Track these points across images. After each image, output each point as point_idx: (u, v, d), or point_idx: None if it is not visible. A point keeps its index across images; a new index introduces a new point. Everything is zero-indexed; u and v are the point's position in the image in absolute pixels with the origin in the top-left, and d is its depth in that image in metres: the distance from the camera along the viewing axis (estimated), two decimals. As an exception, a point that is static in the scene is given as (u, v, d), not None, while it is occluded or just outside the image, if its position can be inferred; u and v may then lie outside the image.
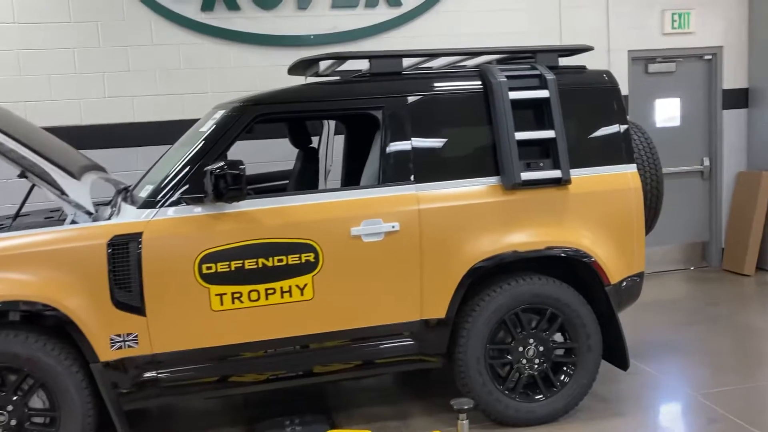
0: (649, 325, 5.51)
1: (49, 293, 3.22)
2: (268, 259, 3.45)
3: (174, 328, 3.39)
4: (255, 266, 3.44)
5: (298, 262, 3.48)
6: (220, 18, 6.00)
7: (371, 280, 3.57)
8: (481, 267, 3.66)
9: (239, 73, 6.02)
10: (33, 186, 3.81)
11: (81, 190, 3.52)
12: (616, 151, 3.96)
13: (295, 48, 6.08)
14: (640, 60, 6.94)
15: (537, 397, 3.81)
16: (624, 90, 6.81)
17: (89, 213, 3.47)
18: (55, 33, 5.72)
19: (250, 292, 3.44)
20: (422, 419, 3.98)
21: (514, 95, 3.77)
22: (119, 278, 3.32)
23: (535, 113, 3.84)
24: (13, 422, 3.28)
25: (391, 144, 3.68)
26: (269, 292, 3.46)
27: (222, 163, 3.30)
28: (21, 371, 3.25)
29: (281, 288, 3.47)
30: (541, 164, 3.78)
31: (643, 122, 6.99)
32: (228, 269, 3.41)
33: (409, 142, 3.69)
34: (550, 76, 3.83)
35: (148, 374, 3.40)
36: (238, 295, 3.43)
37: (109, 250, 3.31)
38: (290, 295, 3.49)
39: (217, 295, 3.41)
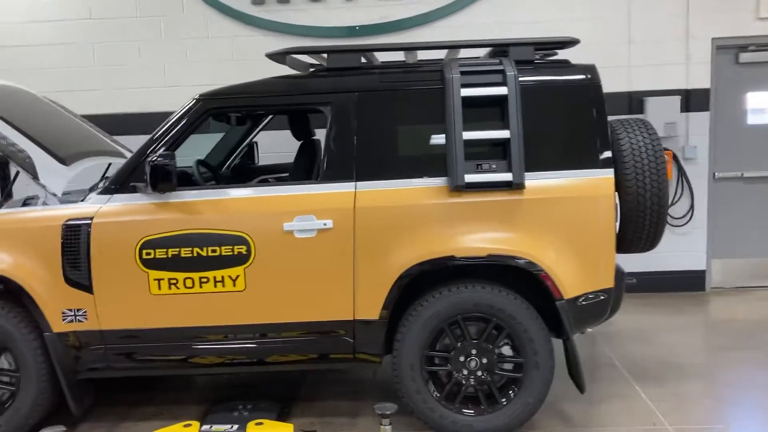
0: (687, 346, 4.97)
1: (3, 266, 3.59)
2: (202, 249, 3.59)
3: (118, 307, 3.65)
4: (190, 255, 3.59)
5: (231, 253, 3.59)
6: (270, 11, 6.22)
7: (303, 276, 3.59)
8: (415, 271, 3.53)
9: (287, 65, 6.21)
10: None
11: (58, 175, 3.85)
12: (587, 155, 3.63)
13: (342, 39, 6.14)
14: (729, 49, 6.18)
15: (477, 411, 3.63)
16: (705, 83, 6.13)
17: (59, 196, 3.81)
18: (124, 27, 6.26)
19: (185, 279, 3.61)
20: (372, 419, 3.93)
21: (467, 92, 3.58)
22: (70, 258, 3.62)
23: (493, 111, 3.61)
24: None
25: (334, 140, 3.65)
26: (203, 280, 3.60)
27: (156, 156, 3.48)
28: (-12, 335, 3.68)
29: (214, 277, 3.60)
30: (494, 166, 3.56)
31: (732, 119, 6.25)
32: (165, 256, 3.60)
33: (353, 139, 3.64)
34: (510, 72, 3.58)
35: (95, 348, 3.69)
36: (174, 281, 3.61)
37: (63, 232, 3.62)
38: (223, 285, 3.60)
39: (155, 279, 3.61)
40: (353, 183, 3.62)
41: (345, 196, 3.59)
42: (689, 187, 6.26)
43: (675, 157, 6.21)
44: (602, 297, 3.61)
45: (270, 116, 5.19)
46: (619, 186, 3.98)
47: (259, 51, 6.22)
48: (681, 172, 6.25)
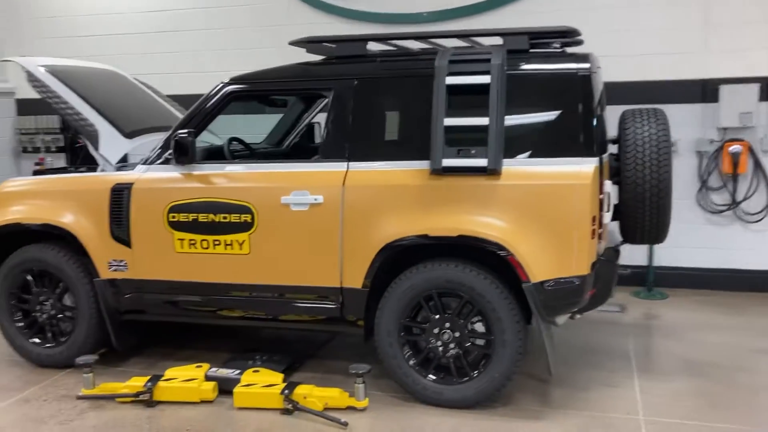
0: (721, 346, 4.78)
1: (63, 219, 4.34)
2: (216, 215, 4.11)
3: (150, 261, 4.28)
4: (206, 220, 4.12)
5: (238, 220, 4.07)
6: (351, 1, 6.60)
7: (297, 244, 4.00)
8: (395, 245, 3.81)
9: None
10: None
11: (116, 147, 4.55)
12: (569, 143, 3.69)
13: (411, 25, 6.42)
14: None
15: (449, 381, 3.86)
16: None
17: (115, 165, 4.51)
18: (221, 15, 6.95)
19: (202, 240, 4.15)
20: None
21: (452, 80, 3.77)
22: (115, 217, 4.30)
23: (477, 99, 3.77)
24: (52, 312, 4.52)
25: (332, 123, 4.00)
26: (215, 242, 4.13)
27: (178, 133, 4.05)
28: (54, 276, 4.46)
29: (224, 241, 4.11)
30: (473, 152, 3.73)
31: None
32: (187, 219, 4.16)
33: (349, 122, 3.97)
34: (495, 61, 3.73)
35: (132, 294, 4.36)
36: (193, 241, 4.17)
37: (110, 195, 4.30)
38: (231, 248, 4.11)
39: (179, 239, 4.19)
40: (345, 163, 3.96)
41: (336, 175, 3.94)
42: (766, 181, 5.88)
43: (751, 149, 5.86)
44: (574, 283, 3.67)
45: (322, 100, 5.61)
46: (620, 176, 4.02)
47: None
48: (757, 165, 5.89)
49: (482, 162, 3.68)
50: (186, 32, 7.08)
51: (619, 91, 5.59)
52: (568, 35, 3.97)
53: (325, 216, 3.93)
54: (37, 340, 4.57)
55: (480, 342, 3.83)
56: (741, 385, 4.13)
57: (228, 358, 4.54)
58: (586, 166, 3.66)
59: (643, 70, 6.02)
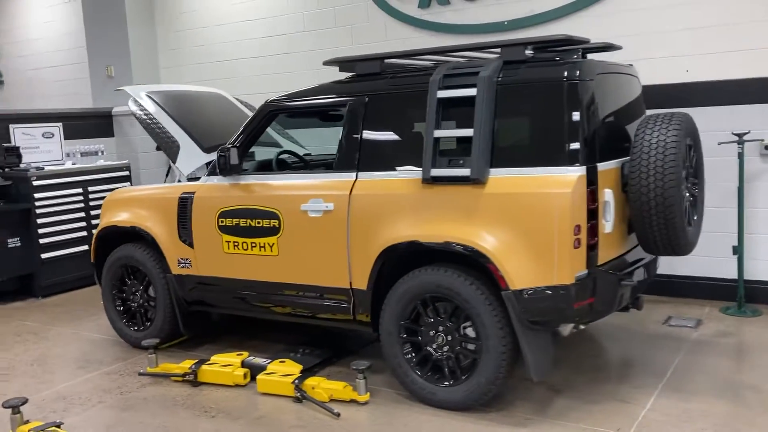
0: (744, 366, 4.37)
1: (143, 223, 5.12)
2: (253, 220, 4.63)
3: (207, 260, 4.91)
4: (246, 225, 4.66)
5: (269, 225, 4.55)
6: (434, 13, 6.87)
7: (315, 247, 4.38)
8: (391, 250, 4.05)
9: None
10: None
11: (190, 160, 5.27)
12: (556, 152, 3.69)
13: (492, 34, 6.51)
14: None
15: (442, 382, 4.01)
16: None
17: (188, 177, 5.22)
18: (326, 36, 7.55)
19: (242, 243, 4.69)
20: (381, 375, 4.48)
21: (444, 93, 3.94)
22: (182, 221, 4.99)
23: (467, 111, 3.89)
24: (141, 301, 5.35)
25: (346, 136, 4.34)
26: (252, 245, 4.65)
27: (219, 149, 4.63)
28: (140, 271, 5.27)
29: (259, 243, 4.62)
30: (461, 162, 3.87)
31: None
32: (232, 224, 4.73)
33: (359, 135, 4.28)
34: (483, 73, 3.83)
35: (194, 288, 5.02)
36: (236, 244, 4.73)
37: (178, 203, 5.01)
38: (264, 250, 4.60)
39: (226, 241, 4.78)
40: (355, 173, 4.27)
41: (346, 184, 4.27)
42: None
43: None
44: (555, 292, 3.65)
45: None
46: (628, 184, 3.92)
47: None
48: None
49: (466, 172, 3.81)
50: (297, 53, 7.77)
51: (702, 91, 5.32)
52: (566, 44, 3.94)
53: (335, 222, 4.28)
54: (130, 325, 5.43)
55: (471, 346, 3.94)
56: (766, 410, 3.80)
57: (281, 349, 5.04)
58: (569, 175, 3.64)
59: (724, 67, 5.58)
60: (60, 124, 8.02)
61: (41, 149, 7.87)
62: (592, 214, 3.72)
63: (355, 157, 4.29)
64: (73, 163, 7.79)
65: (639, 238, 3.99)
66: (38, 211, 7.13)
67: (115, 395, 4.51)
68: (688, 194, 4.12)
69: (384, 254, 4.09)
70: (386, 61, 4.47)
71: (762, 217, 5.62)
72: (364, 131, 4.28)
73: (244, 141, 4.78)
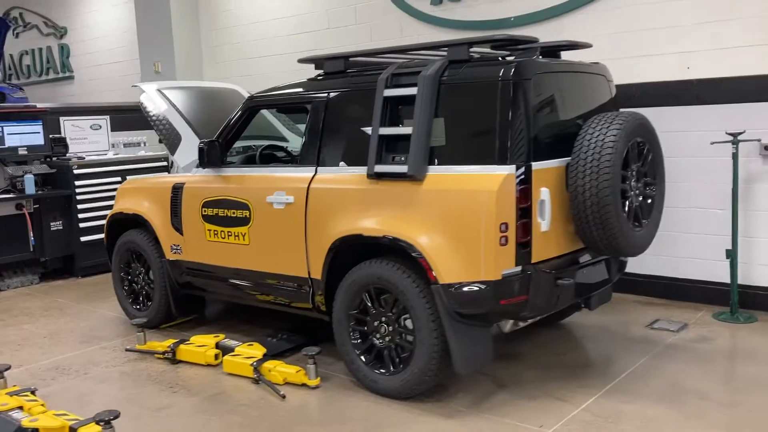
0: (744, 376, 4.23)
1: (143, 210, 5.49)
2: (229, 210, 4.91)
3: (193, 246, 5.24)
4: (224, 215, 4.94)
5: (241, 216, 4.82)
6: (446, 9, 6.93)
7: (279, 238, 4.61)
8: (340, 242, 4.22)
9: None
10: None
11: (189, 153, 5.59)
12: (488, 150, 3.76)
13: (501, 30, 6.49)
14: None
15: (383, 371, 4.14)
16: None
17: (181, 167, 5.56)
18: (347, 33, 7.75)
19: (220, 231, 4.98)
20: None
21: (389, 92, 4.07)
22: (174, 210, 5.34)
23: (409, 109, 3.99)
24: (142, 283, 5.75)
25: (309, 132, 4.54)
26: (228, 234, 4.93)
27: (200, 143, 4.93)
28: (141, 255, 5.67)
29: (233, 233, 4.89)
30: (403, 158, 3.98)
31: None
32: (212, 213, 5.02)
33: (320, 131, 4.46)
34: (424, 73, 3.93)
35: (183, 272, 5.36)
36: (215, 232, 5.02)
37: (171, 192, 5.35)
38: (237, 239, 4.87)
39: (208, 229, 5.08)
40: (314, 168, 4.46)
41: (305, 178, 4.47)
42: None
43: None
44: (482, 288, 3.71)
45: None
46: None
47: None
48: None
49: (403, 168, 3.92)
50: (322, 51, 8.00)
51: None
52: (513, 43, 3.98)
53: (295, 214, 4.49)
54: (134, 304, 5.85)
55: (410, 338, 4.05)
56: (699, 416, 3.71)
57: (267, 334, 5.30)
58: (495, 174, 3.69)
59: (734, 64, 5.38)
60: (107, 117, 8.64)
61: (89, 140, 8.51)
62: (525, 213, 3.75)
63: (315, 152, 4.48)
64: (115, 154, 8.36)
65: (579, 237, 3.98)
66: (78, 197, 7.73)
67: (100, 368, 4.91)
68: (636, 194, 4.06)
69: (334, 246, 4.26)
70: (353, 59, 4.62)
71: (762, 220, 5.38)
72: (324, 127, 4.46)
73: (226, 135, 5.06)
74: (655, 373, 4.32)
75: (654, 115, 5.60)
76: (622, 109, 4.56)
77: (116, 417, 3.52)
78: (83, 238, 7.75)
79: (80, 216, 7.73)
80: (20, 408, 3.92)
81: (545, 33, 6.18)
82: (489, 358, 4.04)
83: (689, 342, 4.88)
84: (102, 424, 3.51)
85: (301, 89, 4.74)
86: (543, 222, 3.82)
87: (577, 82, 4.28)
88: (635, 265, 5.94)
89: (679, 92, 5.59)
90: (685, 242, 5.73)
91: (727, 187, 5.35)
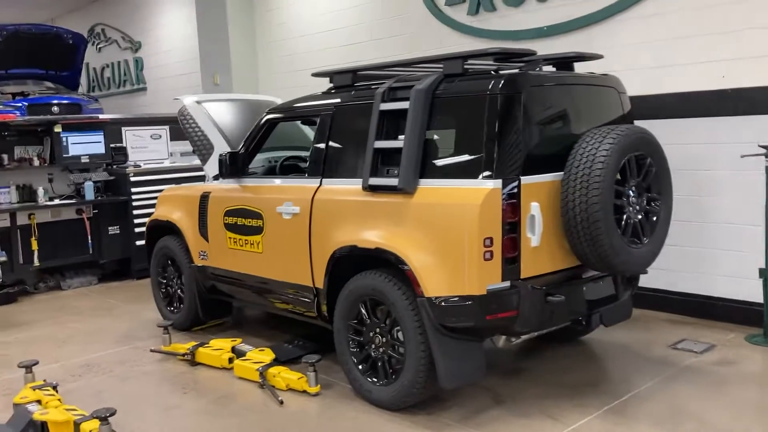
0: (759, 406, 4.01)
1: (175, 218, 5.76)
2: (246, 219, 5.09)
3: (217, 253, 5.45)
4: (242, 223, 5.13)
5: (256, 224, 4.98)
6: (481, 20, 6.91)
7: (288, 247, 4.74)
8: (339, 253, 4.30)
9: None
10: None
11: (217, 164, 5.82)
12: (476, 164, 3.75)
13: (532, 40, 6.43)
14: None
15: (376, 381, 4.18)
16: None
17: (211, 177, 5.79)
18: (389, 44, 7.84)
19: (239, 239, 5.17)
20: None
21: (385, 106, 4.13)
22: (201, 217, 5.58)
23: (403, 123, 4.03)
24: (176, 287, 6.02)
25: (316, 144, 4.65)
26: (246, 241, 5.11)
27: (221, 154, 5.13)
28: (175, 260, 5.94)
29: (249, 241, 5.06)
30: (396, 171, 4.03)
31: None
32: (233, 222, 5.22)
33: (326, 143, 4.57)
34: (417, 87, 3.96)
35: (208, 277, 5.58)
36: (235, 240, 5.21)
37: (199, 200, 5.60)
38: (252, 247, 5.04)
39: (229, 237, 5.28)
40: (319, 179, 4.57)
41: (311, 190, 4.58)
42: None
43: None
44: (466, 303, 3.70)
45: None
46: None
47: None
48: None
49: (395, 182, 3.96)
50: (366, 62, 8.12)
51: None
52: (513, 56, 3.96)
53: (301, 224, 4.61)
54: (169, 307, 6.14)
55: (401, 349, 4.07)
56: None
57: (286, 340, 5.46)
58: (481, 188, 3.68)
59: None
60: (167, 127, 9.06)
61: (149, 149, 8.95)
62: (513, 227, 3.72)
63: (321, 164, 4.59)
64: (172, 162, 8.77)
65: (573, 253, 3.91)
66: (134, 203, 8.16)
67: (126, 367, 5.18)
68: (635, 210, 3.94)
69: (334, 256, 4.35)
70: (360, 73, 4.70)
71: (800, 238, 5.08)
72: (329, 140, 4.56)
73: (247, 146, 5.24)
74: (660, 396, 4.16)
75: (685, 126, 5.45)
76: (635, 122, 4.45)
77: (112, 414, 3.73)
78: (138, 242, 8.15)
79: (136, 221, 8.16)
80: (38, 401, 4.21)
81: (578, 42, 6.09)
82: (480, 373, 4.01)
83: (710, 364, 4.66)
84: (100, 420, 3.73)
85: (312, 102, 4.86)
86: (533, 237, 3.77)
87: (581, 94, 4.20)
88: (667, 282, 5.75)
89: (711, 102, 5.36)
90: (718, 259, 5.48)
91: (761, 201, 5.09)
